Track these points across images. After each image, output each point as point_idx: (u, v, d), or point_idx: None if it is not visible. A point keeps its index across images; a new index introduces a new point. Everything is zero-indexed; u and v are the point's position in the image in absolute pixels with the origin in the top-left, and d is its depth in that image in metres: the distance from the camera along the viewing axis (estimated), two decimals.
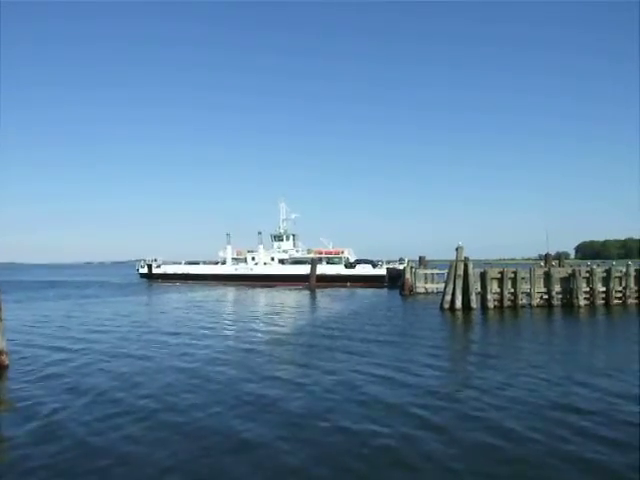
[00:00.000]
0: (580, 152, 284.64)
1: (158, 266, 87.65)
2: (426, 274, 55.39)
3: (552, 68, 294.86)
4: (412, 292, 52.76)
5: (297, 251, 79.60)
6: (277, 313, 37.20)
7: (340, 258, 74.89)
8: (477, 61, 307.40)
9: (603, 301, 38.26)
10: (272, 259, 78.30)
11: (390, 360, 19.00)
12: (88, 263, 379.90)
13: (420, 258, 59.39)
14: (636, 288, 38.92)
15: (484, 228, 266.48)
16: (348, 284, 70.21)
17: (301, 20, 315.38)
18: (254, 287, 69.05)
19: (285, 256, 77.98)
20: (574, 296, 37.67)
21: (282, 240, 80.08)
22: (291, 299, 50.75)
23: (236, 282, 75.85)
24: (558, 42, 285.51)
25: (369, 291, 59.96)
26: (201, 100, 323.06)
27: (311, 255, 75.92)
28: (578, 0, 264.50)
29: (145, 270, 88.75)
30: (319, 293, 58.01)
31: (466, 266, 37.14)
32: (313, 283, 66.90)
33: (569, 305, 37.40)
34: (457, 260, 37.75)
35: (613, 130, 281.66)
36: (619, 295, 38.68)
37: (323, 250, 77.16)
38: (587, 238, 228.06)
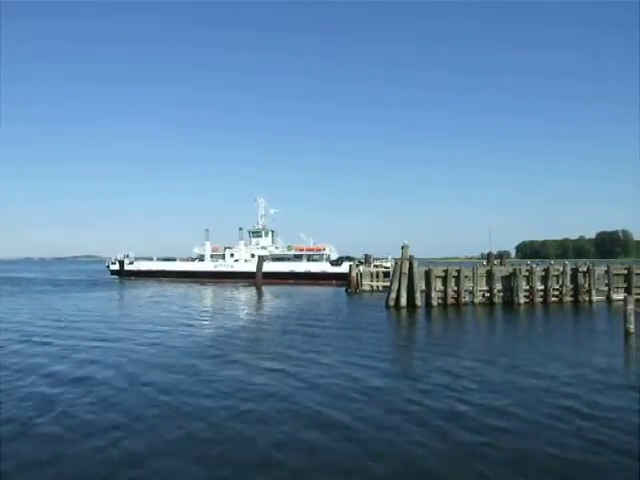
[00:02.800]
0: (523, 154, 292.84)
1: (131, 262, 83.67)
2: (372, 272, 55.85)
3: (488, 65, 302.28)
4: (358, 290, 53.08)
5: (277, 248, 77.82)
6: (222, 310, 36.85)
7: (321, 255, 73.51)
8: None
9: (541, 299, 39.44)
10: (252, 256, 75.22)
11: (335, 354, 19.08)
12: (28, 258, 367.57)
13: (366, 256, 59.79)
14: (572, 286, 40.31)
15: (429, 227, 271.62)
16: (334, 282, 66.60)
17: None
18: (236, 285, 66.43)
19: (265, 253, 75.33)
20: (514, 294, 38.70)
21: (260, 236, 78.32)
22: (243, 296, 50.37)
23: (215, 279, 73.38)
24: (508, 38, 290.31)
25: (314, 288, 59.96)
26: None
27: (292, 252, 74.76)
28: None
29: (116, 267, 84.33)
30: (278, 289, 57.75)
31: (411, 264, 37.61)
32: (259, 281, 65.96)
33: (510, 303, 38.37)
34: (402, 258, 38.19)
35: (559, 135, 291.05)
36: (556, 293, 39.97)
37: (304, 247, 75.58)
38: (527, 238, 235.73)
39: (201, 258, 79.41)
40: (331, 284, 66.08)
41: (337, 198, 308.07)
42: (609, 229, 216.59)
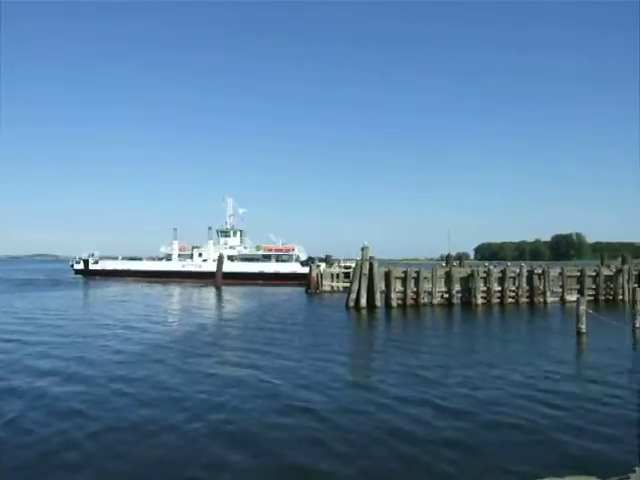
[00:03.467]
0: (485, 156, 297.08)
1: (96, 262, 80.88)
2: (332, 273, 55.98)
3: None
4: (318, 290, 53.12)
5: (245, 247, 76.73)
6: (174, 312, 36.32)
7: (290, 256, 72.66)
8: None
9: (498, 300, 40.15)
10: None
11: (293, 355, 18.99)
12: None
13: (326, 257, 59.88)
14: (527, 288, 41.18)
15: (392, 229, 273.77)
16: (305, 283, 64.95)
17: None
18: (205, 285, 65.02)
19: (234, 252, 74.52)
20: (472, 295, 39.30)
21: (229, 236, 76.92)
22: (202, 297, 49.78)
23: (183, 279, 71.68)
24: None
25: (275, 289, 59.70)
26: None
27: (260, 252, 73.80)
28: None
29: (81, 266, 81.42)
30: (244, 290, 57.24)
31: (371, 265, 37.80)
32: (219, 281, 65.08)
33: (468, 304, 38.94)
34: (363, 259, 38.37)
35: (516, 138, 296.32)
36: (512, 294, 40.77)
37: (273, 247, 74.61)
38: (486, 240, 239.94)
39: (168, 257, 77.65)
40: (302, 284, 64.66)
41: (309, 200, 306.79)
42: (564, 232, 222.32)
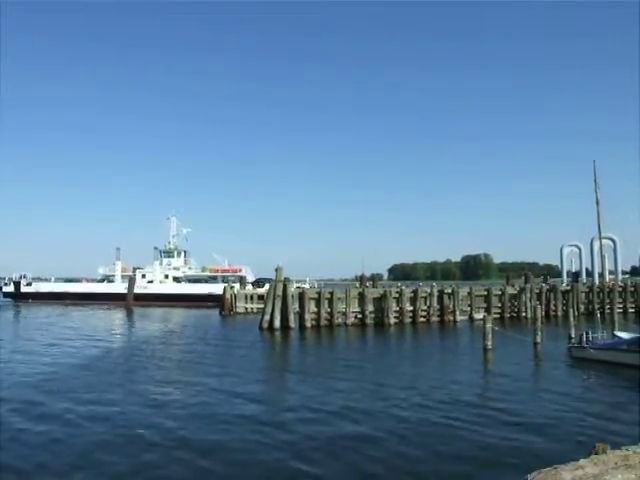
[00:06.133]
0: (398, 176, 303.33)
1: (28, 284, 74.41)
2: (247, 294, 55.22)
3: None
4: (232, 312, 52.13)
5: (190, 268, 73.64)
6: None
7: (237, 277, 69.23)
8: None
9: (411, 319, 40.87)
10: (166, 277, 70.66)
11: (206, 378, 18.24)
12: None
13: (241, 278, 59.06)
14: (438, 307, 42.20)
15: (308, 248, 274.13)
16: None
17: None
18: (150, 306, 61.70)
19: (179, 274, 71.46)
20: (385, 315, 39.76)
21: (172, 256, 73.41)
22: (114, 319, 47.45)
23: (125, 302, 66.42)
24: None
25: (187, 311, 58.01)
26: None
27: (206, 273, 70.97)
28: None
29: (11, 288, 74.66)
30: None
31: (285, 286, 37.51)
32: (130, 302, 62.97)
33: (381, 324, 39.32)
34: (276, 280, 38.01)
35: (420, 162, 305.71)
36: (424, 314, 41.63)
37: (219, 268, 72.08)
38: (399, 261, 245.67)
39: (109, 279, 73.04)
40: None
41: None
42: (473, 253, 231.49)
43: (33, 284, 75.06)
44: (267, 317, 36.98)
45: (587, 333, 23.81)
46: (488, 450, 11.11)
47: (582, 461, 5.06)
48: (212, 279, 69.76)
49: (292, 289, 38.69)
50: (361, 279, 50.66)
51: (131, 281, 66.01)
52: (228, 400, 15.84)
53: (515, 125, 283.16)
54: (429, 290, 42.56)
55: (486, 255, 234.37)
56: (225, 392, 16.89)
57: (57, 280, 76.24)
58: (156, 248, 73.88)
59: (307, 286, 54.28)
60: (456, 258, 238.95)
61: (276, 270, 38.39)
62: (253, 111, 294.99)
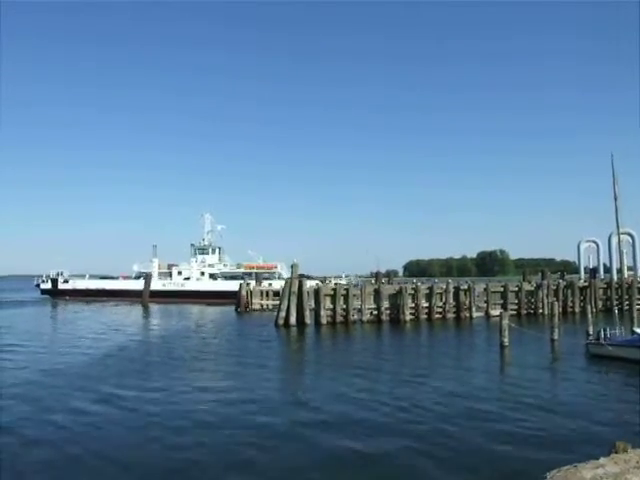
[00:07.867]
0: (414, 174, 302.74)
1: (65, 281, 75.80)
2: (262, 291, 55.44)
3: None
4: (248, 309, 52.38)
5: (225, 265, 73.21)
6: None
7: (273, 273, 69.46)
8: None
9: (426, 316, 40.72)
10: (202, 274, 70.89)
11: (224, 376, 18.55)
12: None
13: (257, 275, 59.27)
14: (454, 304, 42.03)
15: (321, 246, 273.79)
16: None
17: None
18: (191, 304, 61.89)
19: (215, 271, 71.40)
20: (401, 312, 39.70)
21: (207, 253, 73.15)
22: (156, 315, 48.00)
23: (162, 299, 65.90)
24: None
25: (203, 308, 58.39)
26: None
27: (241, 270, 70.61)
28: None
29: (48, 285, 76.22)
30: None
31: (301, 283, 37.61)
32: (146, 299, 63.65)
33: (396, 320, 39.27)
34: (292, 277, 38.13)
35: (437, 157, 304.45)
36: (440, 310, 41.48)
37: (254, 265, 71.50)
38: (414, 257, 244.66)
39: (140, 276, 72.05)
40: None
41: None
42: (489, 249, 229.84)
43: (70, 281, 76.06)
44: (283, 314, 37.12)
45: (605, 330, 23.57)
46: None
47: (602, 460, 5.06)
48: (247, 276, 68.75)
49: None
50: (376, 275, 50.62)
51: (147, 278, 66.67)
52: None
53: (530, 122, 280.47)
54: (445, 286, 42.39)
55: (502, 251, 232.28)
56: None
57: (91, 277, 76.77)
58: (192, 245, 73.55)
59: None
60: (472, 254, 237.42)
61: (292, 267, 38.53)
62: (267, 111, 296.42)
